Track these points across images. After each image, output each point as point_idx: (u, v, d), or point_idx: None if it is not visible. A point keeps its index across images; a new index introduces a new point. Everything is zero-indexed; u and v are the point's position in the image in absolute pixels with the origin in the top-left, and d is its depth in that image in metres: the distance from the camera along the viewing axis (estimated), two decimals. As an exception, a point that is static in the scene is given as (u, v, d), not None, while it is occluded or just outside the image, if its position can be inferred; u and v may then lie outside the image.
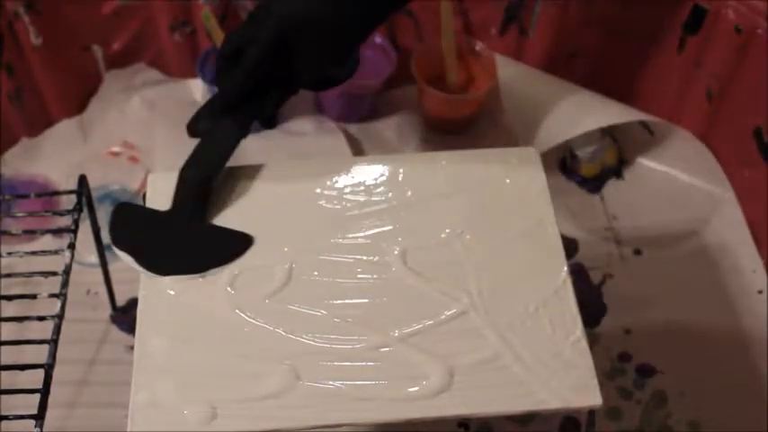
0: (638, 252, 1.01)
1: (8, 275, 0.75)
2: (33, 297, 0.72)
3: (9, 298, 0.73)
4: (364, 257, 0.68)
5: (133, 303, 0.92)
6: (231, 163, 1.05)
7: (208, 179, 0.70)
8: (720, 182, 1.06)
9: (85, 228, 0.81)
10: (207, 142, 0.71)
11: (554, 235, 0.69)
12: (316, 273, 0.67)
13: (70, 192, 0.77)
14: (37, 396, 0.64)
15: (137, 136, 1.10)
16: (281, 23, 0.66)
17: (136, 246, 0.68)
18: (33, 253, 0.77)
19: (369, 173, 0.74)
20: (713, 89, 1.02)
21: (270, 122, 0.75)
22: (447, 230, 0.70)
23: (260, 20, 0.67)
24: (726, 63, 0.99)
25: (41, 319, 0.70)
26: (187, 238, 0.69)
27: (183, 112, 1.12)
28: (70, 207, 0.76)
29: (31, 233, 0.78)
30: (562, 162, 1.08)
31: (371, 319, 0.64)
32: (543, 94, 1.08)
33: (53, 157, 1.08)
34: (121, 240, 0.68)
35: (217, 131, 0.71)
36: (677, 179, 1.07)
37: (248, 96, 0.70)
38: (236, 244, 0.68)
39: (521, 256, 0.68)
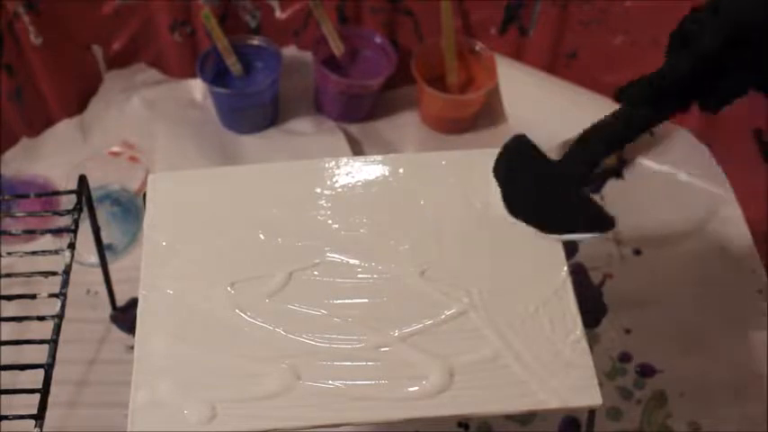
0: (638, 252, 1.01)
1: (8, 275, 0.75)
2: (33, 297, 0.72)
3: (9, 298, 0.73)
4: (364, 257, 0.68)
5: (133, 303, 0.92)
6: (231, 162, 1.06)
7: (607, 151, 0.69)
8: (720, 182, 1.06)
9: (85, 228, 0.81)
10: (620, 117, 0.68)
11: (554, 235, 0.69)
12: (316, 273, 0.67)
13: (70, 192, 0.77)
14: (37, 396, 0.64)
15: (137, 136, 1.10)
16: (734, 22, 0.62)
17: (515, 185, 0.70)
18: (33, 253, 0.76)
19: (369, 173, 0.74)
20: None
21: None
22: (447, 230, 0.69)
23: (715, 12, 0.63)
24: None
25: (41, 318, 0.70)
26: (567, 198, 0.69)
27: (183, 112, 1.13)
28: (70, 207, 0.76)
29: (31, 233, 0.78)
30: (562, 162, 1.08)
31: (371, 319, 0.64)
32: (543, 94, 1.08)
33: (53, 157, 1.08)
34: (501, 171, 0.70)
35: (633, 112, 0.67)
36: (677, 179, 1.07)
37: (686, 85, 0.65)
38: (603, 221, 0.68)
39: (521, 256, 0.68)
